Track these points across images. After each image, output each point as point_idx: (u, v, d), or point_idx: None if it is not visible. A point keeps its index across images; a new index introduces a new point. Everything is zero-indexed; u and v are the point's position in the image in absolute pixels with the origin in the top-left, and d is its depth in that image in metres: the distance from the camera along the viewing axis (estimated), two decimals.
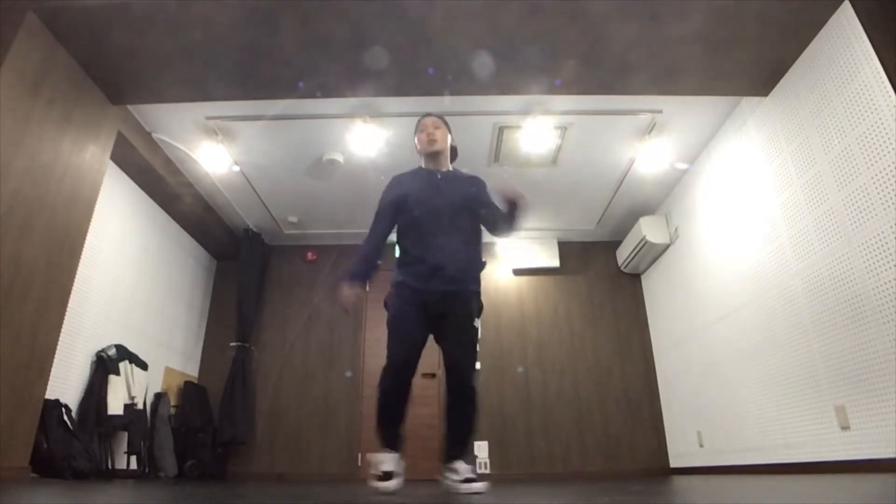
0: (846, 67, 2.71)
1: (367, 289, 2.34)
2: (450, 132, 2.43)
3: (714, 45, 2.96)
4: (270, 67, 3.14)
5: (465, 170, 2.47)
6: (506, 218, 2.22)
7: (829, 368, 2.85)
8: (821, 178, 2.89)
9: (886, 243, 2.47)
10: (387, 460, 2.06)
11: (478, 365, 2.19)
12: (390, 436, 2.13)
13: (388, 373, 2.09)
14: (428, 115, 2.43)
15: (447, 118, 2.47)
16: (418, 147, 2.40)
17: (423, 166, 2.40)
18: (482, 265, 2.30)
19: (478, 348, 2.19)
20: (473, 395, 2.14)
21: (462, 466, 2.10)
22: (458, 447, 2.16)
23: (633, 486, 2.35)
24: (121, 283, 4.07)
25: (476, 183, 2.37)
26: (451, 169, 2.43)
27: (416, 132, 2.42)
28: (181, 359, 4.95)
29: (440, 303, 2.14)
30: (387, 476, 2.00)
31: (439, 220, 2.20)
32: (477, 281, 2.25)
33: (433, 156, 2.36)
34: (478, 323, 2.20)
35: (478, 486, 2.01)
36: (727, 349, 3.91)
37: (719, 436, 4.04)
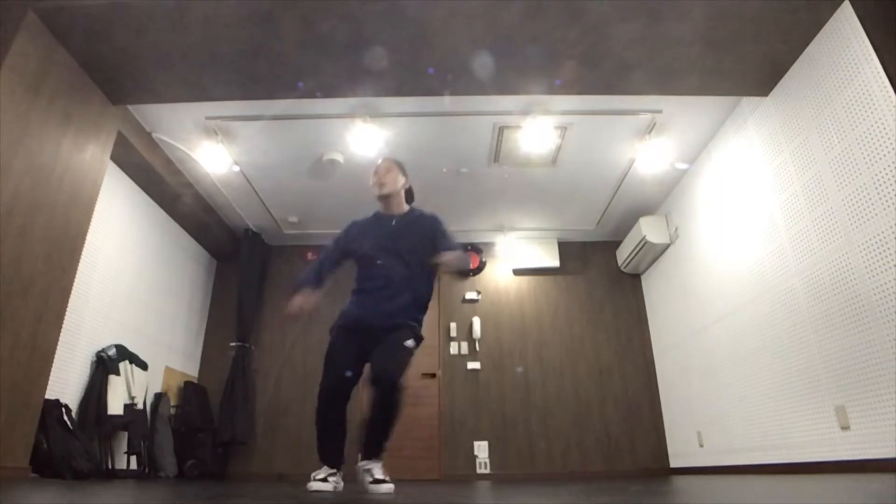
0: (846, 67, 2.71)
1: (317, 293, 2.47)
2: (405, 175, 2.55)
3: (714, 45, 2.96)
4: (270, 67, 3.14)
5: (423, 209, 2.58)
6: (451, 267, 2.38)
7: (829, 368, 2.85)
8: (821, 178, 2.88)
9: (886, 243, 2.47)
10: (323, 472, 2.21)
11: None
12: (328, 453, 2.27)
13: (319, 399, 2.24)
14: (384, 159, 2.56)
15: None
16: (371, 191, 2.52)
17: (379, 210, 2.53)
18: (426, 304, 2.42)
19: (408, 366, 2.25)
20: (396, 404, 2.19)
21: (376, 468, 2.20)
22: (374, 449, 2.25)
23: (632, 486, 2.35)
24: (121, 283, 4.07)
25: (430, 223, 2.48)
26: (406, 210, 2.52)
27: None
28: (181, 359, 4.94)
29: (372, 332, 2.25)
30: (323, 480, 2.17)
31: (386, 263, 2.34)
32: (416, 318, 2.36)
33: (384, 199, 2.49)
34: (410, 343, 2.27)
35: (386, 487, 2.10)
36: (727, 349, 3.91)
37: (719, 436, 4.04)
